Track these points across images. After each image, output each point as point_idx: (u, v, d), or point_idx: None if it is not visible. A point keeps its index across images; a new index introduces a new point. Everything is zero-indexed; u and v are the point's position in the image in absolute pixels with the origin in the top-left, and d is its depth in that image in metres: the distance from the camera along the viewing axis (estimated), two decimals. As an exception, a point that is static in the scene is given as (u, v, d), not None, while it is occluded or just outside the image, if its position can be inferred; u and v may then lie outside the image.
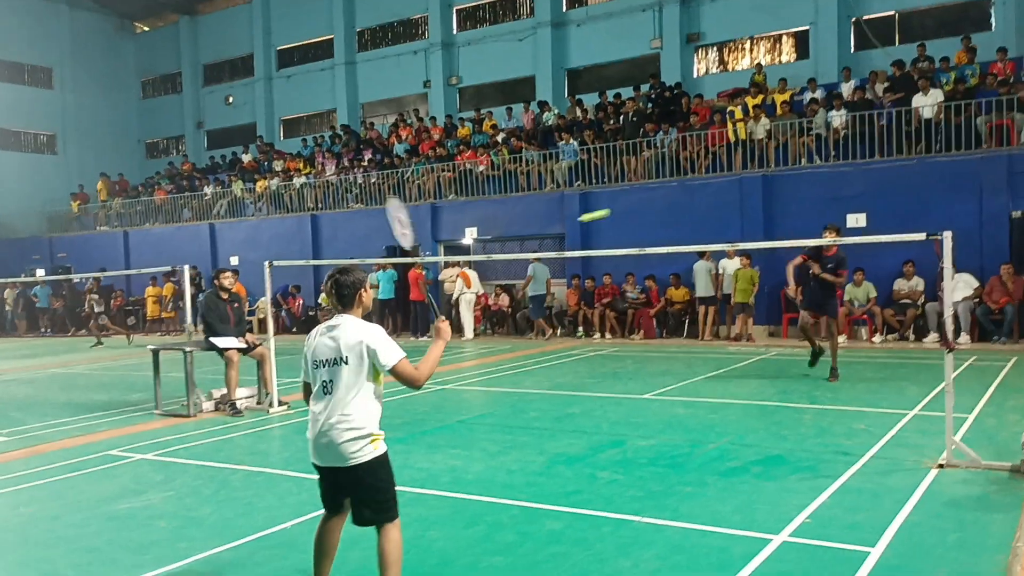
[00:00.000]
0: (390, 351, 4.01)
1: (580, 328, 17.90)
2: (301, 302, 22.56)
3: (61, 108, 34.53)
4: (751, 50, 24.04)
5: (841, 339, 14.78)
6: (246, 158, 29.28)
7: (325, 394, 4.01)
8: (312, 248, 22.84)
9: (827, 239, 9.87)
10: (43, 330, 27.71)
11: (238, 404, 10.09)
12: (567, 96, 25.36)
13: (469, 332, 18.98)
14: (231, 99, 34.19)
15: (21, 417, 10.54)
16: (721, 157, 17.99)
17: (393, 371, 4.03)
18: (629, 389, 10.75)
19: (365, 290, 4.22)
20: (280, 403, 10.18)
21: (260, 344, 10.45)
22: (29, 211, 31.79)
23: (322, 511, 4.31)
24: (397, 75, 29.63)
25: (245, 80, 33.85)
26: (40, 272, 27.88)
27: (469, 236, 20.78)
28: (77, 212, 30.91)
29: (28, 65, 33.87)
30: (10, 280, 26.16)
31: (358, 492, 4.09)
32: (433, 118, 26.41)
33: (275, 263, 10.52)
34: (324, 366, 4.02)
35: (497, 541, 5.15)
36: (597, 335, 17.49)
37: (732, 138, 17.88)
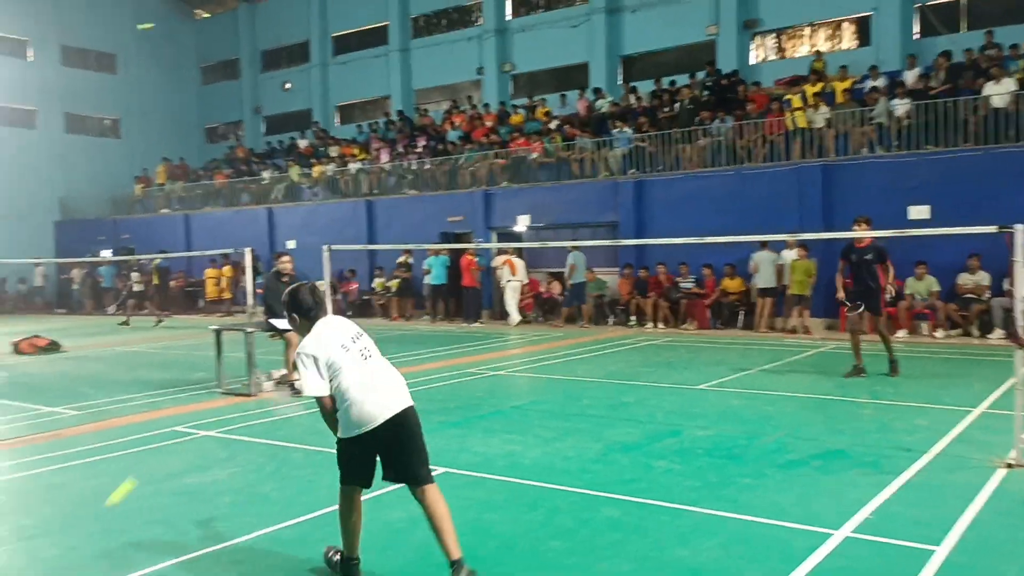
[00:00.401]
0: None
1: (633, 317, 17.82)
2: (356, 287, 22.84)
3: (125, 93, 35.39)
4: (810, 37, 23.54)
5: (901, 333, 14.57)
6: (302, 143, 29.69)
7: (365, 359, 4.44)
8: (367, 233, 23.08)
9: (858, 232, 9.74)
10: (107, 310, 28.52)
11: (297, 385, 10.27)
12: (621, 83, 25.17)
13: (515, 317, 19.07)
14: (288, 85, 34.66)
15: (90, 393, 10.91)
16: (779, 146, 17.69)
17: None
18: (684, 379, 10.69)
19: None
20: (337, 385, 10.33)
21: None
22: (95, 194, 32.70)
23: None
24: (451, 62, 29.70)
25: (301, 66, 34.27)
26: (105, 253, 28.68)
27: (522, 223, 20.80)
28: (140, 195, 31.71)
29: (94, 51, 34.77)
30: (77, 260, 27.02)
31: (413, 439, 4.41)
32: (486, 105, 26.43)
33: (332, 247, 10.68)
34: (354, 342, 4.47)
35: (556, 526, 5.19)
36: (650, 324, 17.39)
37: (790, 127, 17.57)
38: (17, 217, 30.75)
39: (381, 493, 5.89)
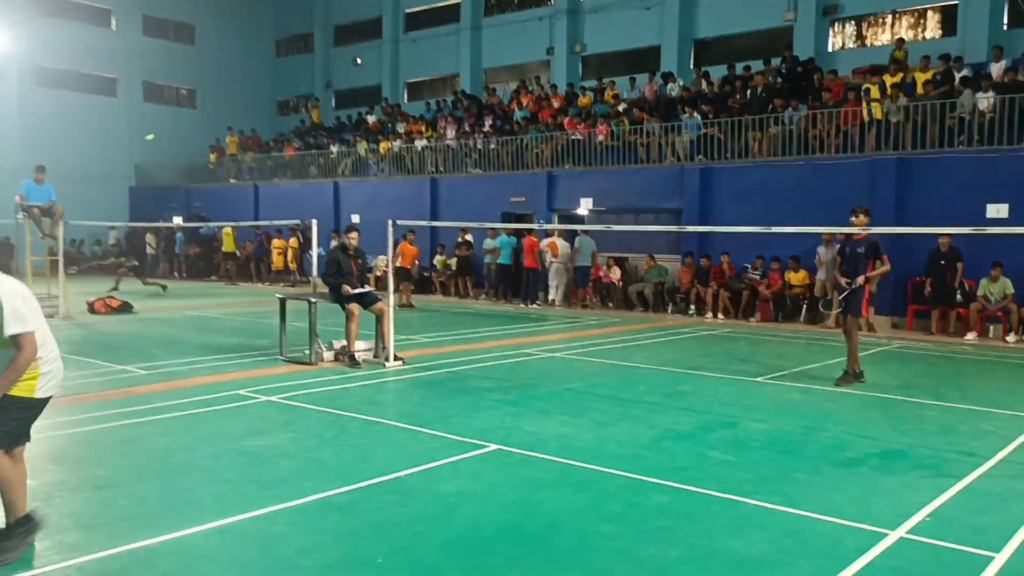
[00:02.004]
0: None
1: (692, 307, 17.64)
2: (416, 262, 23.05)
3: (201, 64, 36.25)
4: (892, 25, 22.83)
5: (970, 336, 14.14)
6: (371, 119, 30.02)
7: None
8: (430, 210, 23.28)
9: (856, 223, 9.35)
10: (175, 274, 29.42)
11: (357, 356, 10.50)
12: (692, 67, 24.79)
13: (557, 298, 19.37)
14: (359, 60, 35.02)
15: (159, 353, 11.30)
16: (853, 137, 17.22)
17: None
18: (742, 371, 10.57)
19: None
20: (396, 358, 10.52)
21: (380, 300, 10.81)
22: (169, 162, 33.65)
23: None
24: (521, 41, 29.62)
25: (373, 42, 34.59)
26: (177, 219, 29.51)
27: (584, 206, 20.71)
28: (213, 165, 32.50)
29: (173, 21, 35.66)
30: (152, 225, 27.89)
31: None
32: (554, 86, 26.32)
33: (398, 222, 10.84)
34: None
35: (605, 509, 5.22)
36: (709, 314, 17.21)
37: (866, 118, 17.08)
38: (95, 182, 31.81)
39: (435, 466, 6.03)
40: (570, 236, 19.91)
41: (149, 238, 30.00)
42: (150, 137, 27.88)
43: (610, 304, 19.27)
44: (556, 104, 23.94)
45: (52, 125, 31.20)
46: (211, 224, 27.00)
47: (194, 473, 5.80)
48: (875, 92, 17.24)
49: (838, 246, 15.57)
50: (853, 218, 9.44)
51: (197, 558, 4.31)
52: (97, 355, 11.04)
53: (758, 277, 17.05)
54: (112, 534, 4.61)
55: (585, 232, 19.14)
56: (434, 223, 16.69)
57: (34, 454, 6.22)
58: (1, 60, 30.23)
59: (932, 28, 22.13)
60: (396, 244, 20.60)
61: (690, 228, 12.10)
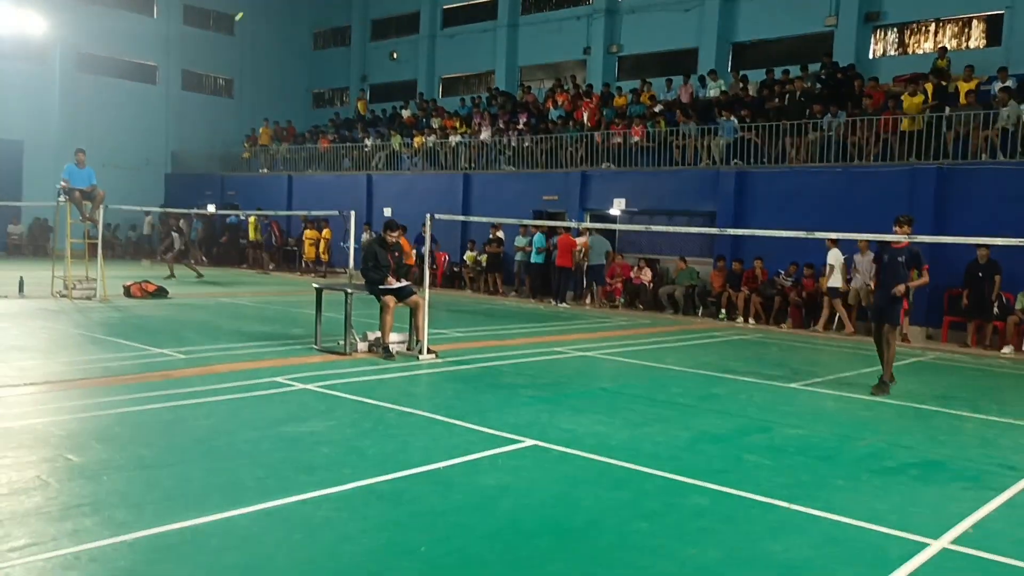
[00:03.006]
0: None
1: (723, 311, 17.56)
2: (447, 257, 23.17)
3: (239, 54, 36.63)
4: (936, 33, 22.56)
5: (1007, 349, 13.97)
6: (405, 113, 30.16)
7: None
8: (462, 206, 23.35)
9: (899, 232, 9.22)
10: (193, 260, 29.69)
11: (391, 348, 10.57)
12: (730, 71, 24.64)
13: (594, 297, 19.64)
14: (395, 55, 35.20)
15: (196, 338, 11.45)
16: (892, 145, 17.04)
17: None
18: (775, 376, 10.52)
19: None
20: (429, 351, 10.58)
21: (416, 293, 10.88)
22: (205, 150, 34.04)
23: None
24: (558, 40, 29.62)
25: (410, 37, 34.76)
26: (211, 208, 29.80)
27: (617, 207, 20.69)
28: (248, 154, 32.82)
29: (214, 11, 36.05)
30: (183, 211, 28.17)
31: None
32: (590, 85, 26.29)
33: (435, 217, 10.90)
34: None
35: (643, 508, 5.23)
36: (740, 319, 17.12)
37: (906, 127, 16.89)
38: (132, 168, 32.25)
39: (473, 459, 6.07)
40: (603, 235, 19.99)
41: (181, 224, 30.30)
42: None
43: (640, 305, 19.22)
44: (592, 104, 23.87)
45: (91, 111, 31.68)
46: (238, 213, 27.25)
47: (236, 456, 5.88)
48: (915, 102, 17.02)
49: (873, 254, 15.63)
50: (896, 228, 9.32)
51: (244, 539, 4.38)
52: (135, 338, 11.20)
53: (790, 283, 16.92)
54: (159, 512, 4.68)
55: (598, 231, 19.37)
56: (474, 218, 16.77)
57: (80, 432, 6.37)
58: (43, 45, 30.74)
59: (976, 37, 21.85)
60: (417, 239, 20.84)
61: (728, 231, 12.05)
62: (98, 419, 6.80)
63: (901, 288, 9.37)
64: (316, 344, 10.96)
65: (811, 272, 16.57)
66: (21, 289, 16.09)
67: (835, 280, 15.81)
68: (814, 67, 21.22)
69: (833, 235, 9.83)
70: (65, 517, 4.54)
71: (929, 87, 17.55)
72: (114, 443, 6.08)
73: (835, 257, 15.79)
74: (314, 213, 21.54)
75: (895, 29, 23.13)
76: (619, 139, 21.09)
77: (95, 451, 5.84)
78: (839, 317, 15.97)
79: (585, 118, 22.89)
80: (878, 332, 9.76)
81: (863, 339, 14.89)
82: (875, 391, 9.46)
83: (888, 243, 9.60)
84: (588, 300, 19.77)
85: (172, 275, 21.46)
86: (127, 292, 16.62)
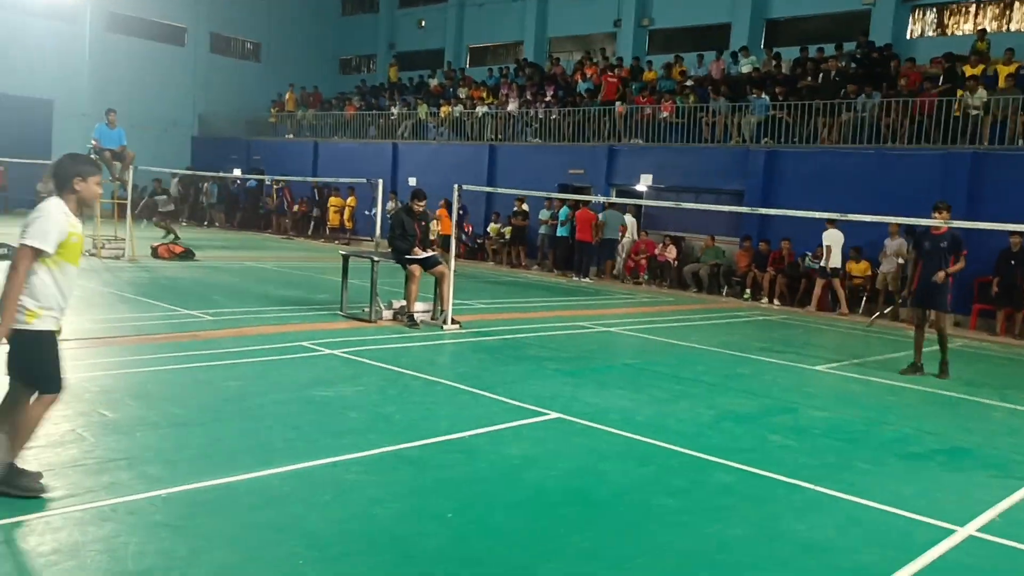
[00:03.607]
0: (26, 233, 4.04)
1: (748, 290, 17.46)
2: (471, 228, 23.16)
3: (268, 18, 36.52)
4: (976, 14, 22.07)
5: None
6: (432, 82, 30.01)
7: None
8: (487, 177, 23.28)
9: (937, 219, 9.12)
10: (207, 223, 29.88)
11: (415, 317, 10.62)
12: (763, 47, 24.29)
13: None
14: (423, 23, 34.96)
15: (223, 301, 11.57)
16: (927, 128, 16.76)
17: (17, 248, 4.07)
18: (800, 358, 10.47)
19: (84, 181, 4.25)
20: (453, 321, 10.62)
21: (442, 263, 10.90)
22: (231, 114, 34.09)
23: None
24: (588, 12, 29.27)
25: (439, 5, 34.48)
26: (236, 171, 29.96)
27: (643, 182, 20.55)
28: (274, 119, 32.85)
29: (243, -26, 35.96)
30: (210, 174, 28.34)
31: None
32: (620, 59, 26.01)
33: (462, 187, 10.89)
34: None
35: (668, 484, 5.26)
36: (765, 300, 17.02)
37: (957, 111, 16.47)
38: (159, 129, 32.37)
39: (498, 429, 6.12)
40: (622, 211, 19.99)
41: (206, 188, 30.53)
42: None
43: (664, 283, 19.16)
44: (621, 77, 23.61)
45: (120, 71, 31.76)
46: (256, 178, 27.28)
47: (266, 418, 5.96)
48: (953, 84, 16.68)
49: (906, 240, 15.46)
50: (936, 214, 9.21)
51: (276, 498, 4.45)
52: (164, 298, 11.33)
53: (816, 266, 16.76)
54: (192, 470, 4.77)
55: (613, 206, 19.41)
56: (500, 190, 16.71)
57: (114, 388, 6.47)
58: (75, 4, 30.83)
59: (1018, 19, 21.35)
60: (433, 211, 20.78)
61: (756, 210, 11.90)
62: (131, 376, 6.91)
63: (940, 275, 9.33)
64: (342, 310, 11.02)
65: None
66: (51, 247, 16.25)
67: (834, 260, 15.71)
68: (849, 46, 20.85)
69: (864, 218, 9.69)
70: (102, 471, 4.63)
71: (968, 69, 17.19)
72: (147, 400, 6.18)
73: (833, 237, 15.67)
74: (340, 180, 21.47)
75: (934, 9, 22.67)
76: (648, 112, 20.88)
77: (129, 408, 5.94)
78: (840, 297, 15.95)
79: (602, 92, 22.66)
80: (921, 317, 9.73)
81: (891, 324, 14.79)
82: (940, 376, 9.57)
83: (928, 229, 9.53)
84: (599, 274, 19.81)
85: (173, 235, 20.81)
86: (154, 253, 16.77)
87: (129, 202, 16.46)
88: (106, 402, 6.03)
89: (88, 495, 4.26)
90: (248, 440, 5.41)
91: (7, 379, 4.24)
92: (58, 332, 4.25)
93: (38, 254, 4.07)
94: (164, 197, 22.07)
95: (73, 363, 7.22)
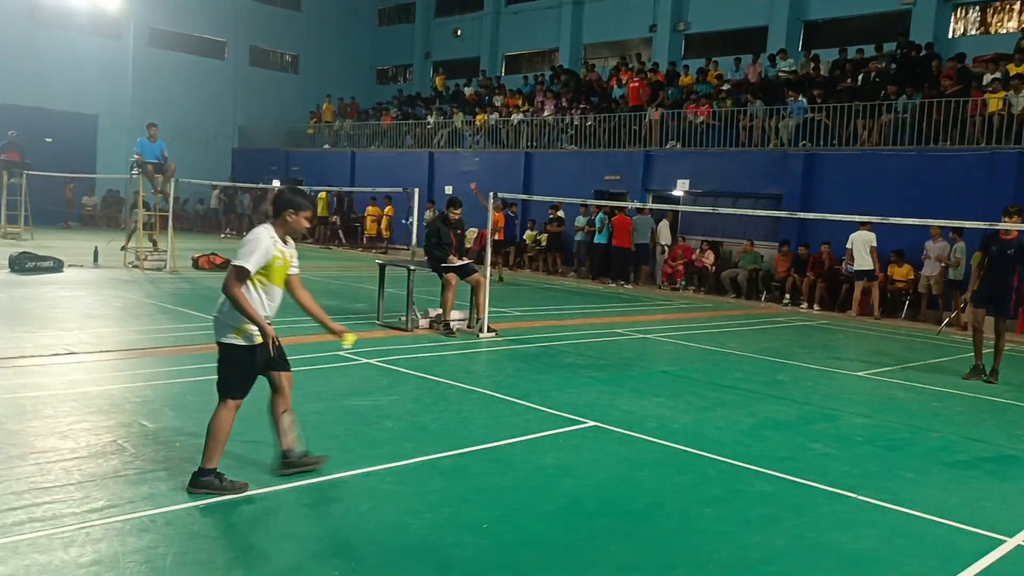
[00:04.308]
0: (240, 255, 4.49)
1: (787, 296, 17.23)
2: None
3: (305, 30, 37.03)
4: (1020, 12, 21.59)
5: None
6: (468, 91, 30.13)
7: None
8: (523, 185, 23.29)
9: (1009, 223, 8.90)
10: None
11: (451, 325, 10.64)
12: (801, 50, 24.00)
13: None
14: (459, 32, 35.16)
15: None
16: (973, 129, 16.39)
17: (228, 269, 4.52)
18: (841, 364, 10.30)
19: (296, 214, 4.68)
20: (489, 330, 10.62)
21: (478, 271, 10.92)
22: (271, 125, 34.60)
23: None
24: (624, 17, 29.21)
25: (474, 14, 34.67)
26: (276, 183, 30.33)
27: (680, 188, 20.41)
28: (312, 130, 33.25)
29: (281, -12, 36.53)
30: (249, 186, 28.73)
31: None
32: (656, 64, 25.89)
33: (500, 195, 10.90)
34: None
35: (706, 493, 5.18)
36: (805, 305, 16.77)
37: (994, 108, 16.14)
38: (200, 142, 32.96)
39: (534, 438, 6.09)
40: (659, 216, 19.87)
41: (247, 199, 30.94)
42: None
43: (702, 289, 18.98)
44: (658, 82, 23.48)
45: (162, 85, 32.43)
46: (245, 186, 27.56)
47: (303, 428, 5.96)
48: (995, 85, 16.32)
49: (945, 241, 15.13)
50: (1006, 218, 9.03)
51: (312, 508, 4.48)
52: (204, 309, 11.45)
53: (851, 270, 16.45)
54: (232, 478, 4.80)
55: (645, 211, 19.32)
56: (536, 197, 16.72)
57: (154, 399, 6.56)
58: (118, 21, 31.53)
59: (1064, 16, 20.85)
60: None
61: (796, 215, 11.73)
62: (170, 387, 7.01)
63: (967, 296, 9.19)
64: (378, 319, 11.08)
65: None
66: (96, 259, 16.62)
67: (863, 263, 15.42)
68: (889, 47, 20.52)
69: (907, 221, 9.52)
70: (141, 481, 4.70)
71: (1012, 68, 16.81)
72: (186, 411, 6.25)
73: (861, 239, 15.35)
74: (377, 190, 21.66)
75: (977, 7, 22.23)
76: (689, 118, 20.72)
77: (168, 418, 6.03)
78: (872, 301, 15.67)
79: (628, 97, 22.60)
80: (980, 320, 9.63)
81: (934, 328, 14.49)
82: (988, 379, 9.47)
83: (997, 233, 9.39)
84: (635, 281, 19.75)
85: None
86: (195, 264, 17.04)
87: (171, 214, 16.74)
88: (146, 413, 6.12)
89: (128, 505, 4.32)
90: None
91: (266, 377, 4.92)
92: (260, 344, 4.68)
93: (245, 273, 4.47)
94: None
95: (114, 374, 7.37)
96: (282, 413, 4.96)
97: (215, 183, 29.40)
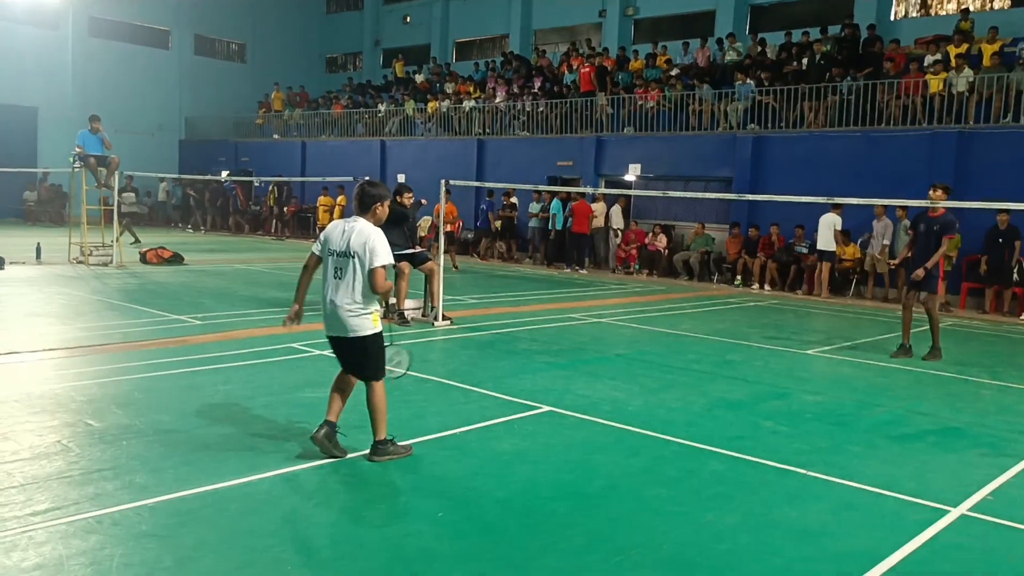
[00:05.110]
0: (382, 256, 4.99)
1: (739, 277, 17.46)
2: (461, 224, 23.07)
3: (252, 19, 36.34)
4: (959, -7, 22.05)
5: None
6: (419, 78, 29.89)
7: (336, 278, 5.10)
8: (476, 172, 23.22)
9: (934, 198, 9.15)
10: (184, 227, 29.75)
11: (406, 314, 10.58)
12: (748, 33, 24.24)
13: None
14: (408, 19, 34.82)
15: (212, 305, 11.51)
16: (914, 109, 16.74)
17: (371, 271, 4.98)
18: (792, 343, 10.47)
19: (382, 205, 5.20)
20: (444, 318, 10.59)
21: (431, 259, 10.86)
22: (218, 116, 33.94)
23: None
24: (573, 3, 29.18)
25: (424, 0, 34.33)
26: (224, 174, 29.82)
27: (632, 172, 20.52)
28: (261, 121, 32.70)
29: (226, -25, 35.77)
30: (199, 177, 28.22)
31: (353, 355, 5.25)
32: (606, 49, 25.93)
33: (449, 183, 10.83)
34: (334, 255, 5.10)
35: (660, 474, 5.24)
36: (756, 286, 17.02)
37: (935, 89, 16.48)
38: (146, 133, 32.24)
39: (489, 424, 6.09)
40: (611, 201, 20.01)
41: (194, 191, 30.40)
42: None
43: (655, 272, 19.14)
44: (608, 67, 23.53)
45: (104, 76, 31.61)
46: (231, 178, 27.11)
47: (254, 422, 5.92)
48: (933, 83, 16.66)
49: (889, 220, 15.47)
50: (932, 192, 9.20)
51: (264, 503, 4.41)
52: (152, 304, 11.27)
53: (805, 251, 16.75)
54: (179, 477, 4.73)
55: (601, 197, 19.61)
56: (489, 184, 16.67)
57: (100, 397, 6.41)
58: (56, 10, 30.61)
59: (1001, -2, 21.35)
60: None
61: (744, 197, 11.87)
62: (118, 384, 6.85)
63: (920, 273, 9.30)
64: (331, 310, 10.95)
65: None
66: (39, 256, 16.18)
67: (827, 243, 15.82)
68: (834, 30, 20.82)
69: (850, 200, 9.69)
70: (87, 482, 4.59)
71: (952, 49, 17.18)
72: (133, 408, 6.13)
73: (834, 220, 15.65)
74: (328, 179, 21.39)
75: (918, -11, 22.65)
76: (639, 103, 20.79)
77: (115, 416, 5.90)
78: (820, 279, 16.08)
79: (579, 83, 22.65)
80: (909, 299, 9.69)
81: (879, 305, 14.83)
82: (927, 358, 9.52)
83: (926, 210, 9.49)
84: (591, 266, 20.02)
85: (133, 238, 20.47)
86: (143, 258, 16.69)
87: (116, 208, 16.35)
88: (92, 412, 5.98)
89: (72, 507, 4.22)
90: (236, 445, 5.37)
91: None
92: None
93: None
94: (131, 195, 21.88)
95: (58, 373, 7.19)
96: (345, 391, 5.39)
97: (162, 175, 28.80)
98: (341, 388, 5.35)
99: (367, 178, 5.37)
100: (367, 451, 5.23)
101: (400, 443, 5.28)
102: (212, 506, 4.36)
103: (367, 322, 5.09)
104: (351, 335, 5.11)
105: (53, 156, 27.73)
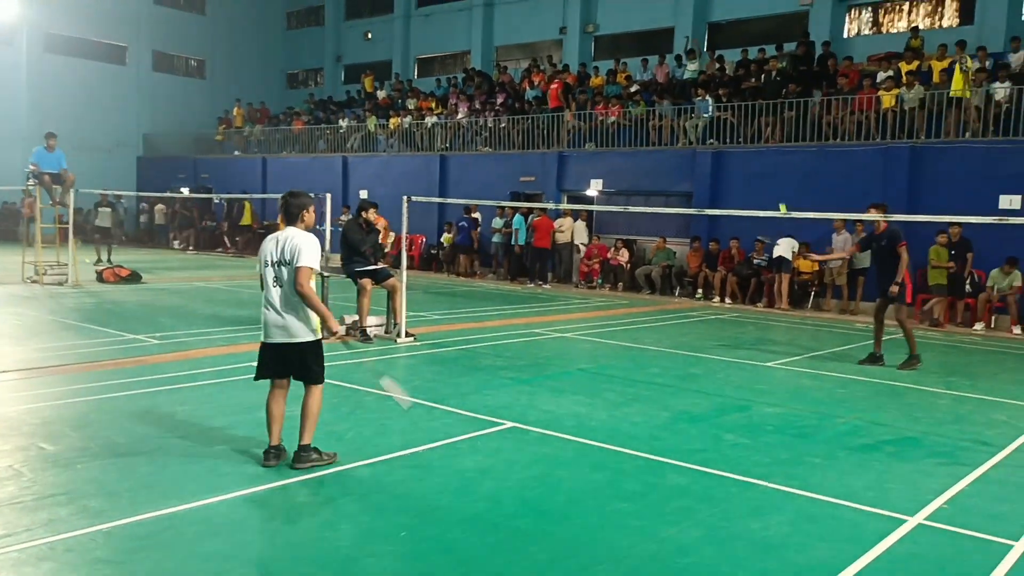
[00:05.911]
0: (308, 258, 5.19)
1: (700, 290, 17.64)
2: (423, 240, 23.06)
3: (212, 34, 36.03)
4: (909, 12, 22.63)
5: (978, 326, 14.17)
6: (381, 94, 29.85)
7: (276, 287, 5.29)
8: (439, 188, 23.21)
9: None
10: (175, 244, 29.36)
11: (368, 331, 10.51)
12: (706, 50, 24.61)
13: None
14: (370, 35, 34.80)
15: (171, 323, 11.33)
16: (868, 125, 17.09)
17: (295, 269, 5.16)
18: (752, 356, 10.59)
19: (308, 211, 5.45)
20: (407, 335, 10.54)
21: (393, 275, 10.82)
22: (178, 132, 33.53)
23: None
24: (534, 20, 29.41)
25: (385, 16, 34.36)
26: (184, 191, 29.46)
27: (594, 187, 20.67)
28: (221, 137, 32.38)
29: (183, -9, 35.44)
30: (158, 195, 27.83)
31: (293, 362, 5.39)
32: (566, 65, 26.15)
33: (411, 199, 10.81)
34: (273, 265, 5.28)
35: (622, 488, 5.25)
36: (717, 299, 17.20)
37: (887, 104, 16.84)
38: (103, 150, 31.73)
39: (452, 442, 6.07)
40: (575, 216, 20.14)
41: (157, 209, 29.97)
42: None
43: (618, 286, 19.26)
44: (569, 83, 23.72)
45: (60, 93, 31.07)
46: (223, 197, 26.84)
47: (213, 443, 5.83)
48: (887, 99, 17.06)
49: (847, 233, 15.76)
50: (872, 210, 9.59)
51: (223, 526, 4.34)
52: (109, 324, 11.07)
53: (764, 264, 16.98)
54: (135, 501, 4.64)
55: (568, 213, 19.98)
56: (451, 200, 16.70)
57: (55, 419, 6.28)
58: (10, 26, 30.05)
59: (949, 16, 21.95)
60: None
61: (704, 211, 12.02)
62: (73, 406, 6.71)
63: (894, 289, 9.70)
64: (293, 328, 10.84)
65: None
66: (-9, 275, 15.82)
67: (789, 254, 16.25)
68: (789, 47, 21.23)
69: (808, 215, 9.89)
70: (39, 507, 4.48)
71: (904, 66, 17.60)
72: (89, 431, 6.00)
73: (793, 245, 16.18)
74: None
75: (869, 8, 23.18)
76: (604, 119, 20.97)
77: (70, 439, 5.77)
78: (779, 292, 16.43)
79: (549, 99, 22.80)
80: (882, 310, 10.05)
81: (838, 317, 15.06)
82: (903, 367, 9.84)
83: (872, 231, 10.00)
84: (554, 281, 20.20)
85: (101, 258, 20.32)
86: (100, 277, 16.40)
87: (71, 226, 16.05)
88: (46, 435, 5.85)
89: (24, 534, 4.11)
90: (193, 467, 5.28)
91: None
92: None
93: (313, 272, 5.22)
94: (107, 211, 21.62)
95: (12, 395, 7.02)
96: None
97: (119, 193, 28.30)
98: (276, 412, 5.47)
99: (290, 190, 5.64)
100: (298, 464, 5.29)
101: (324, 451, 5.40)
102: (170, 530, 4.27)
103: (310, 327, 5.29)
104: (295, 340, 5.27)
105: (7, 174, 27.17)
